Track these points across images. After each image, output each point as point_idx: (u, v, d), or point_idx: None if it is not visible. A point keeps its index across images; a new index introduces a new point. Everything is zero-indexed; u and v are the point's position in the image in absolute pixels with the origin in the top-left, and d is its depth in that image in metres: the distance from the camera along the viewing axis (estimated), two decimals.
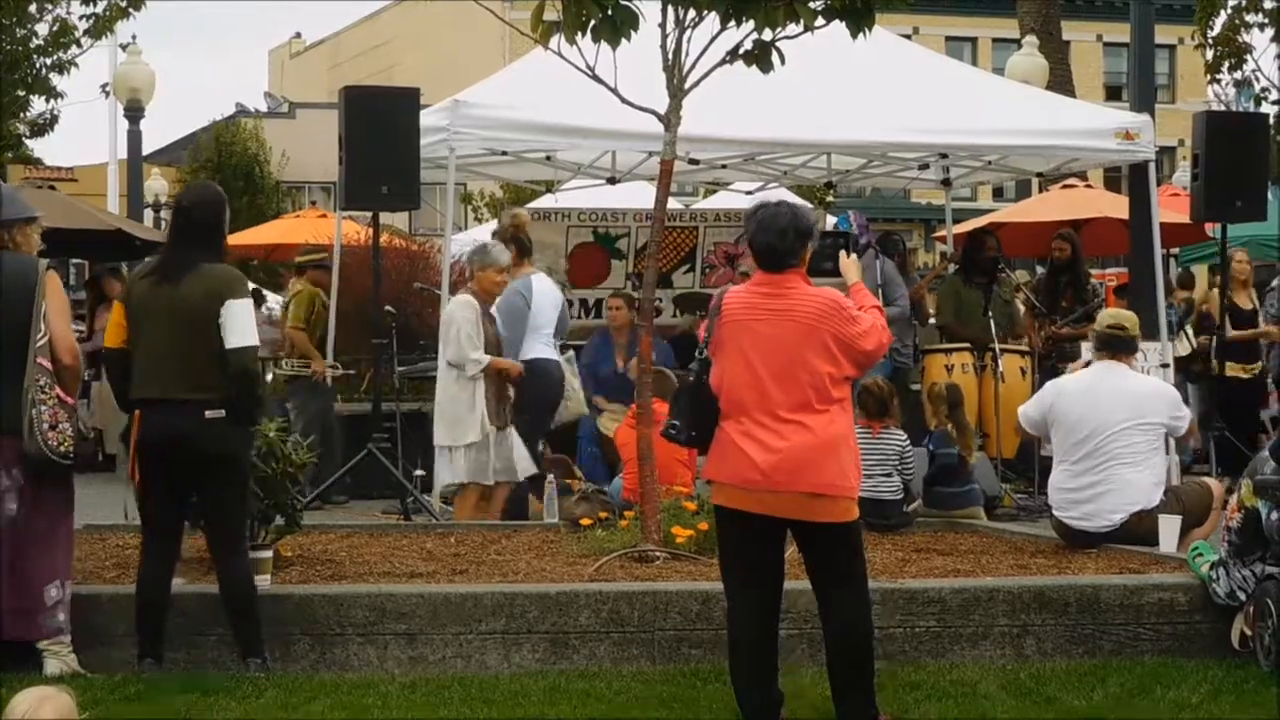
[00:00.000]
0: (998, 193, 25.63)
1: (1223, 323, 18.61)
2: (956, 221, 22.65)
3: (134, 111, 29.09)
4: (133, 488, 9.48)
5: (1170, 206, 19.39)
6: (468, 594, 9.91)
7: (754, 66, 11.14)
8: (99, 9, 20.65)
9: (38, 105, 23.45)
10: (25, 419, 8.88)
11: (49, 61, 22.28)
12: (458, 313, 13.76)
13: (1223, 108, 22.42)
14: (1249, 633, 9.78)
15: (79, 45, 21.78)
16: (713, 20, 11.00)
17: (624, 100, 11.37)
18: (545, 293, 14.82)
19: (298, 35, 59.16)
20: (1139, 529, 11.58)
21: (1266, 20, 29.29)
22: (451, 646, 9.56)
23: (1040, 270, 20.04)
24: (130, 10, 20.45)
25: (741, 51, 11.10)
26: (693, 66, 11.21)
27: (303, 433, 14.52)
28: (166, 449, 9.16)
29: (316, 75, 47.94)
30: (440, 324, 13.80)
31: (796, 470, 8.10)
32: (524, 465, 14.12)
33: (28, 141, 25.04)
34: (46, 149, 26.13)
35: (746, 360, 8.20)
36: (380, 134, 14.29)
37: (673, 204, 12.98)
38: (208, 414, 9.07)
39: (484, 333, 13.45)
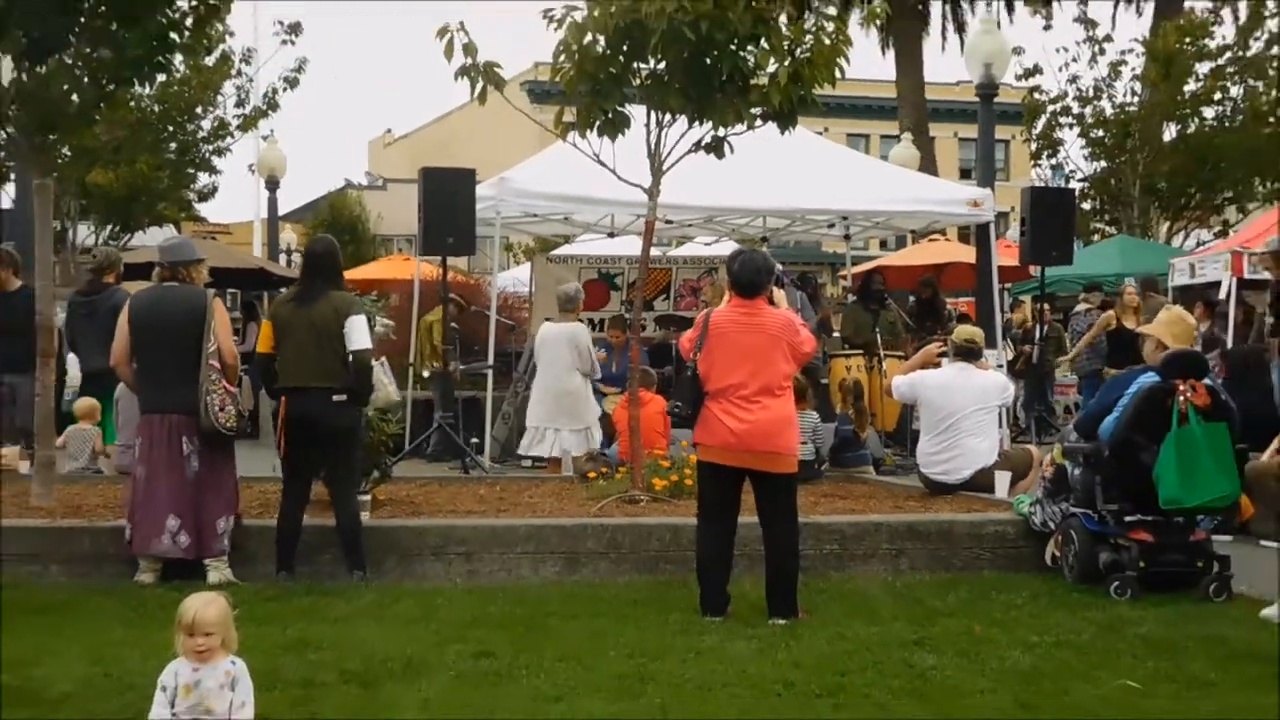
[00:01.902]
0: (884, 244, 25.68)
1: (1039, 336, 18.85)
2: (854, 264, 22.69)
3: (271, 183, 29.33)
4: (278, 450, 9.56)
5: (1005, 254, 19.43)
6: (508, 526, 10.04)
7: (711, 154, 11.20)
8: (247, 111, 20.66)
9: (203, 179, 23.44)
10: (201, 404, 9.02)
11: (211, 148, 22.27)
12: (585, 337, 13.95)
13: (1042, 184, 22.37)
14: (1057, 554, 9.92)
15: (232, 136, 21.76)
16: (682, 121, 11.04)
17: (620, 178, 11.42)
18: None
19: (389, 130, 59.10)
20: (981, 481, 11.65)
21: (1073, 123, 29.37)
22: (497, 563, 9.69)
23: (912, 300, 20.05)
24: (269, 111, 20.46)
25: (702, 143, 11.14)
26: (668, 154, 11.24)
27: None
28: (304, 423, 9.32)
29: (402, 158, 47.80)
30: (555, 341, 13.79)
31: (762, 436, 8.45)
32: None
33: (196, 205, 25.03)
34: (209, 210, 26.19)
35: (729, 359, 8.50)
36: (447, 201, 14.31)
37: (653, 251, 13.01)
38: (334, 398, 9.26)
39: None
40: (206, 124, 21.68)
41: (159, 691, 5.24)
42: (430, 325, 16.42)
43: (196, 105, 20.88)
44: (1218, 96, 27.77)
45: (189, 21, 10.35)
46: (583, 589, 9.22)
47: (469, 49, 10.43)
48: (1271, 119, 27.17)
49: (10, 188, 14.69)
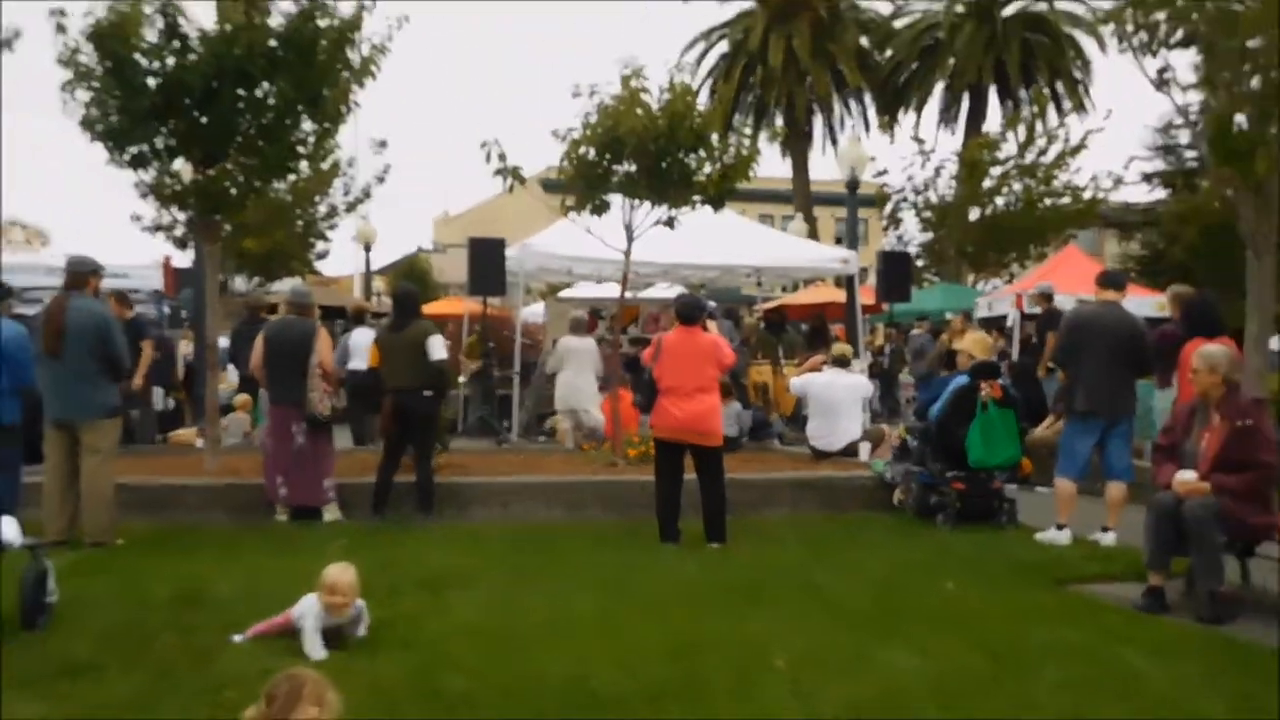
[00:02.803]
0: (784, 288, 25.87)
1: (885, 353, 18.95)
2: (764, 302, 22.66)
3: (366, 248, 29.72)
4: (382, 429, 9.71)
5: (865, 295, 19.35)
6: (530, 482, 10.01)
7: (667, 227, 11.20)
8: (350, 199, 20.65)
9: (320, 245, 23.41)
10: (305, 398, 9.11)
11: (325, 225, 22.24)
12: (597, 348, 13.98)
13: (889, 249, 22.47)
14: (902, 498, 9.95)
15: (340, 216, 21.73)
16: (646, 205, 11.06)
17: (605, 243, 11.41)
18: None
19: (446, 211, 58.89)
20: (851, 450, 11.65)
21: (910, 207, 29.52)
22: (525, 509, 9.66)
23: (805, 327, 20.03)
24: (365, 199, 20.44)
25: (660, 220, 11.13)
26: (637, 227, 11.23)
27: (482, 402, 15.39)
28: (404, 412, 9.34)
29: (455, 231, 47.79)
30: (580, 350, 13.65)
31: (698, 420, 8.49)
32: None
33: (315, 263, 25.02)
34: (324, 266, 26.23)
35: (675, 367, 8.56)
36: (486, 260, 14.35)
37: (627, 293, 13.04)
38: (424, 393, 9.35)
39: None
40: (323, 208, 21.62)
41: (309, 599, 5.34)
42: (471, 344, 16.47)
43: (315, 195, 20.80)
44: (1005, 190, 27.92)
45: (310, 139, 10.44)
46: (581, 526, 9.20)
47: (502, 157, 10.46)
48: (1040, 206, 27.43)
49: (190, 252, 14.75)
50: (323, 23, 9.80)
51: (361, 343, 12.57)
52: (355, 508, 9.37)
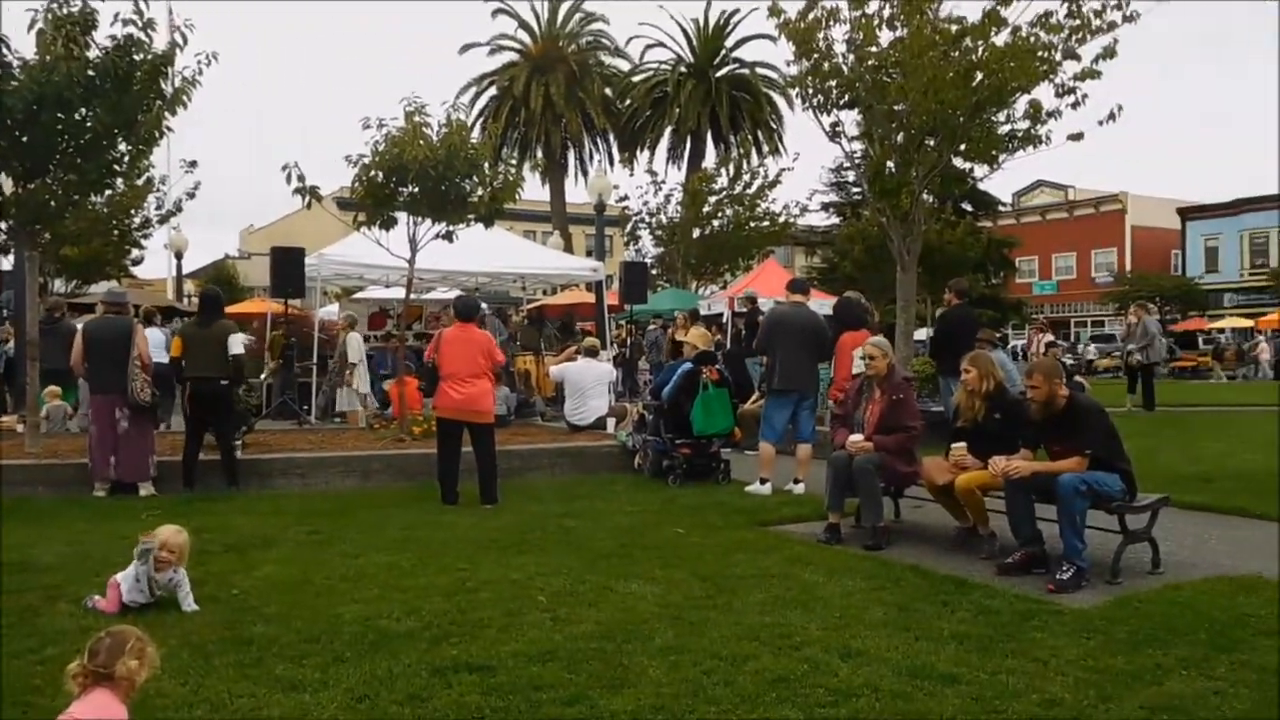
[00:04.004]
0: (544, 291, 25.86)
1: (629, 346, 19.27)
2: (528, 304, 22.54)
3: (178, 256, 27.84)
4: (185, 413, 9.19)
5: (611, 298, 19.62)
6: (328, 456, 9.57)
7: (446, 240, 10.99)
8: (162, 213, 19.26)
9: (135, 253, 21.76)
10: (128, 386, 8.51)
11: (140, 234, 20.68)
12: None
13: (630, 260, 22.82)
14: (641, 462, 10.10)
15: (153, 226, 20.25)
16: (428, 221, 10.82)
17: (392, 254, 11.08)
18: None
19: (251, 224, 55.58)
20: (599, 424, 11.77)
21: (646, 227, 30.08)
22: (323, 479, 9.24)
23: (560, 323, 20.07)
24: (176, 212, 19.09)
25: (440, 234, 10.92)
26: (420, 240, 10.97)
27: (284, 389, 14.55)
28: (201, 397, 8.88)
29: (262, 239, 45.17)
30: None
31: (472, 402, 8.36)
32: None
33: (131, 269, 23.22)
34: (139, 271, 24.40)
35: (453, 357, 8.39)
36: (288, 267, 13.70)
37: (412, 296, 12.75)
38: (221, 382, 8.86)
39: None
40: (137, 220, 20.05)
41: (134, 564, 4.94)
42: (275, 339, 15.65)
43: (131, 208, 19.26)
44: (720, 214, 28.85)
45: (126, 159, 9.87)
46: (373, 493, 8.89)
47: (301, 178, 10.01)
48: (746, 227, 28.51)
49: (10, 258, 13.46)
50: (138, 57, 9.20)
51: (151, 340, 11.74)
52: (168, 482, 8.77)
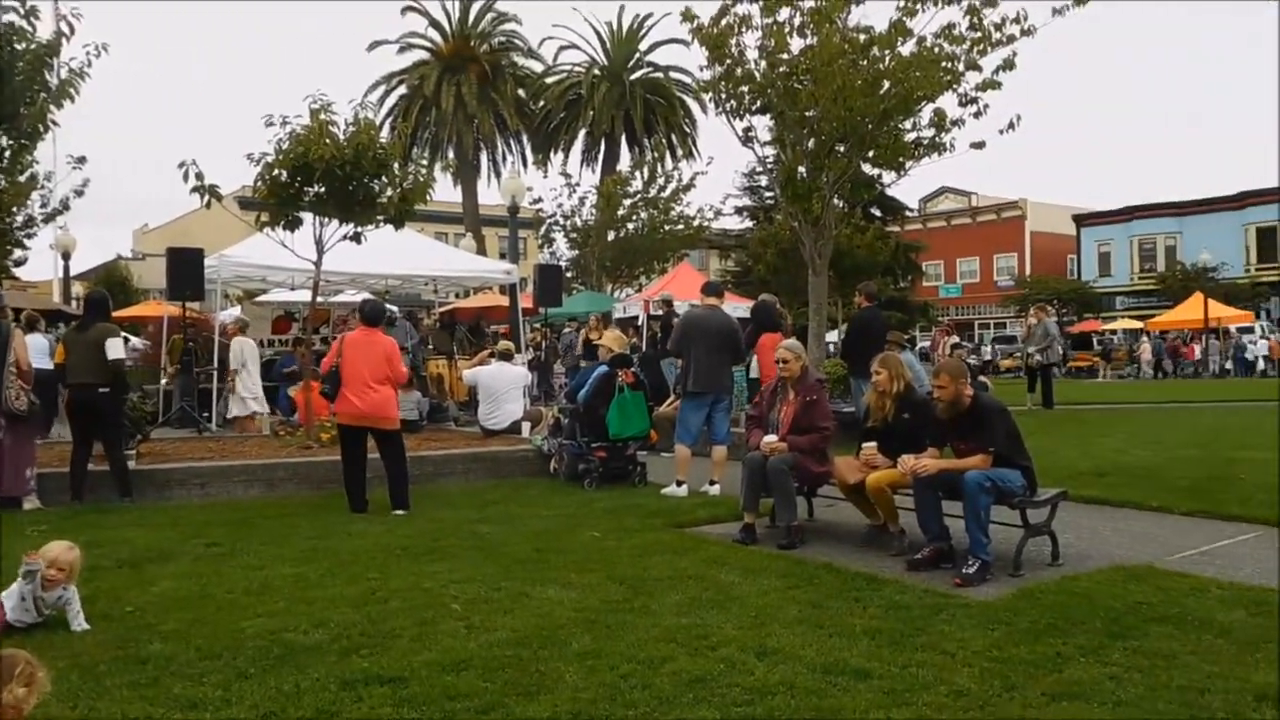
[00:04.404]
0: (457, 294, 25.47)
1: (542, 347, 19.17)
2: (440, 306, 22.23)
3: (65, 257, 26.90)
4: (68, 425, 8.76)
5: (525, 300, 19.51)
6: (229, 465, 9.28)
7: (354, 242, 10.79)
8: (49, 210, 18.42)
9: (18, 253, 20.74)
10: (3, 395, 8.08)
11: (22, 234, 19.75)
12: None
13: (545, 262, 22.71)
14: (556, 466, 10.06)
15: (38, 225, 19.36)
16: (335, 222, 10.61)
17: (297, 255, 10.84)
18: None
19: (146, 224, 53.64)
20: (514, 428, 11.69)
21: (561, 229, 30.01)
22: (224, 489, 8.96)
23: (467, 325, 19.86)
24: (62, 210, 18.28)
25: (348, 236, 10.71)
26: (327, 241, 10.75)
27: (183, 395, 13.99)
28: (81, 405, 8.52)
29: (157, 240, 43.65)
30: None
31: (376, 408, 8.16)
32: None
33: (14, 269, 22.15)
34: (23, 272, 23.32)
35: (356, 363, 8.20)
36: (185, 268, 13.25)
37: (319, 299, 12.48)
38: (100, 390, 8.48)
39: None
40: (21, 218, 19.14)
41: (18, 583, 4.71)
42: (175, 343, 15.15)
43: (14, 206, 18.40)
44: (635, 217, 28.96)
45: (7, 153, 9.41)
46: (278, 502, 8.63)
47: (199, 176, 9.67)
48: (661, 230, 28.68)
49: None
50: (20, 46, 8.76)
51: (33, 346, 11.26)
52: (56, 495, 8.40)
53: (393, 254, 14.54)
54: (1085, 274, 55.59)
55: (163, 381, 14.89)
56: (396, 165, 10.68)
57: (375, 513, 8.01)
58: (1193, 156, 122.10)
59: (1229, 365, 34.52)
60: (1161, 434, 13.04)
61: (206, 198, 9.78)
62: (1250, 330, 38.23)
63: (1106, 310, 52.40)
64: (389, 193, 10.58)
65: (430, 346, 17.00)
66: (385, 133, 12.49)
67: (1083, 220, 56.83)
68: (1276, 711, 3.57)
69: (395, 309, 17.07)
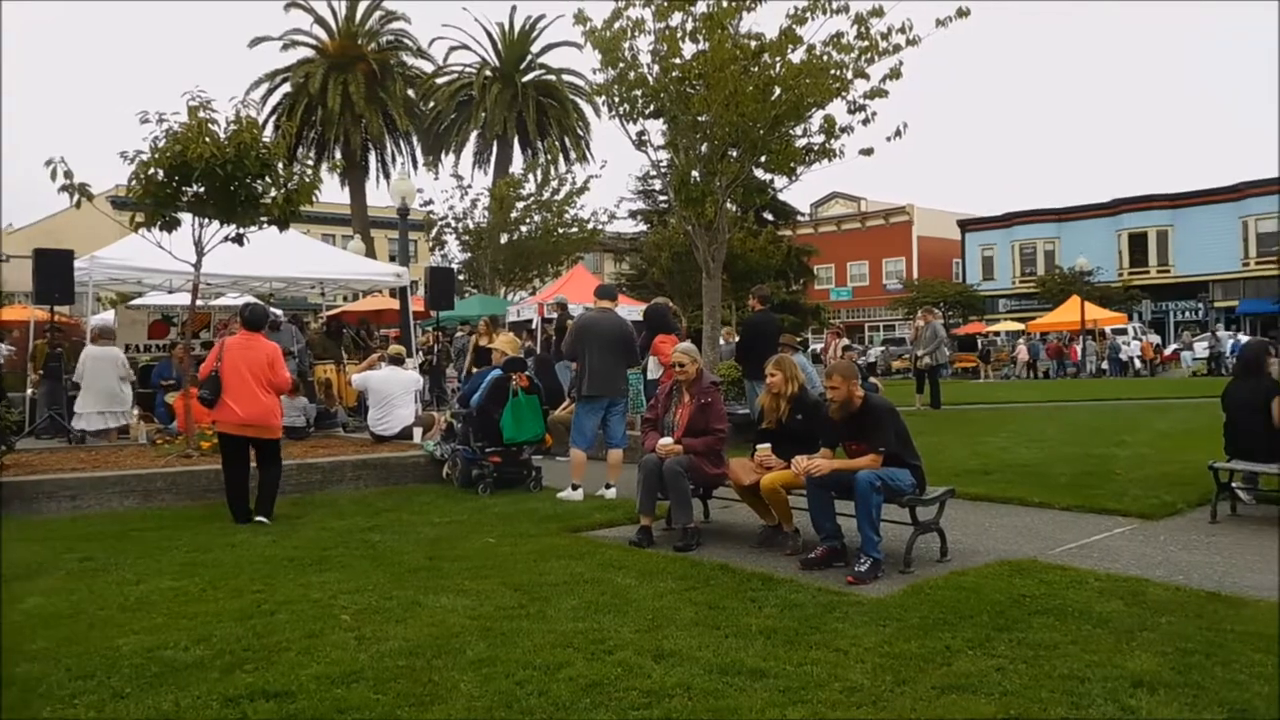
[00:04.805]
0: (345, 298, 24.89)
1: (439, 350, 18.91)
2: (328, 309, 21.71)
3: None
4: None
5: (416, 304, 19.19)
6: (103, 476, 8.83)
7: (236, 244, 10.45)
8: None
9: None
10: None
11: None
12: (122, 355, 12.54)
13: (436, 265, 22.40)
14: (450, 472, 9.92)
15: None
16: (216, 223, 10.26)
17: (175, 257, 10.44)
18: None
19: (10, 224, 50.87)
20: (405, 434, 11.49)
21: (452, 231, 29.68)
22: (97, 501, 8.54)
23: (361, 330, 19.47)
24: None
25: (229, 237, 10.37)
26: (208, 243, 10.38)
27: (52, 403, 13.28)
28: None
29: (23, 241, 41.51)
30: (102, 358, 12.21)
31: (258, 416, 7.94)
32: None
33: None
34: None
35: (237, 369, 7.93)
36: (54, 270, 12.60)
37: (199, 303, 12.04)
38: None
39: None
40: None
41: None
42: (39, 348, 14.43)
43: None
44: (528, 220, 28.85)
45: None
46: (156, 514, 8.29)
47: (68, 175, 9.24)
48: (555, 233, 28.65)
49: None
50: None
51: None
52: None
53: (277, 256, 14.12)
54: (970, 277, 57.69)
55: (28, 390, 14.14)
56: (281, 165, 10.39)
57: (260, 524, 7.77)
58: (1070, 165, 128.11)
59: (1105, 365, 36.20)
60: (1043, 432, 13.59)
61: (76, 197, 9.35)
62: (1124, 332, 40.22)
63: (990, 313, 54.47)
64: (273, 193, 10.28)
65: (313, 353, 16.58)
66: (269, 132, 12.16)
67: (967, 225, 58.98)
68: (1150, 696, 3.76)
69: (280, 313, 16.61)
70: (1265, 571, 5.78)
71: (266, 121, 34.60)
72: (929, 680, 3.98)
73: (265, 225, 10.50)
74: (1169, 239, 50.91)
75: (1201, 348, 37.21)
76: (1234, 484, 7.68)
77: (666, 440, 7.05)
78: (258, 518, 7.82)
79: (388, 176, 38.36)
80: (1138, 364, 36.66)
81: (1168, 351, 40.83)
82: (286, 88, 37.02)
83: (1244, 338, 32.96)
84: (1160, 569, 5.85)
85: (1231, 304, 48.46)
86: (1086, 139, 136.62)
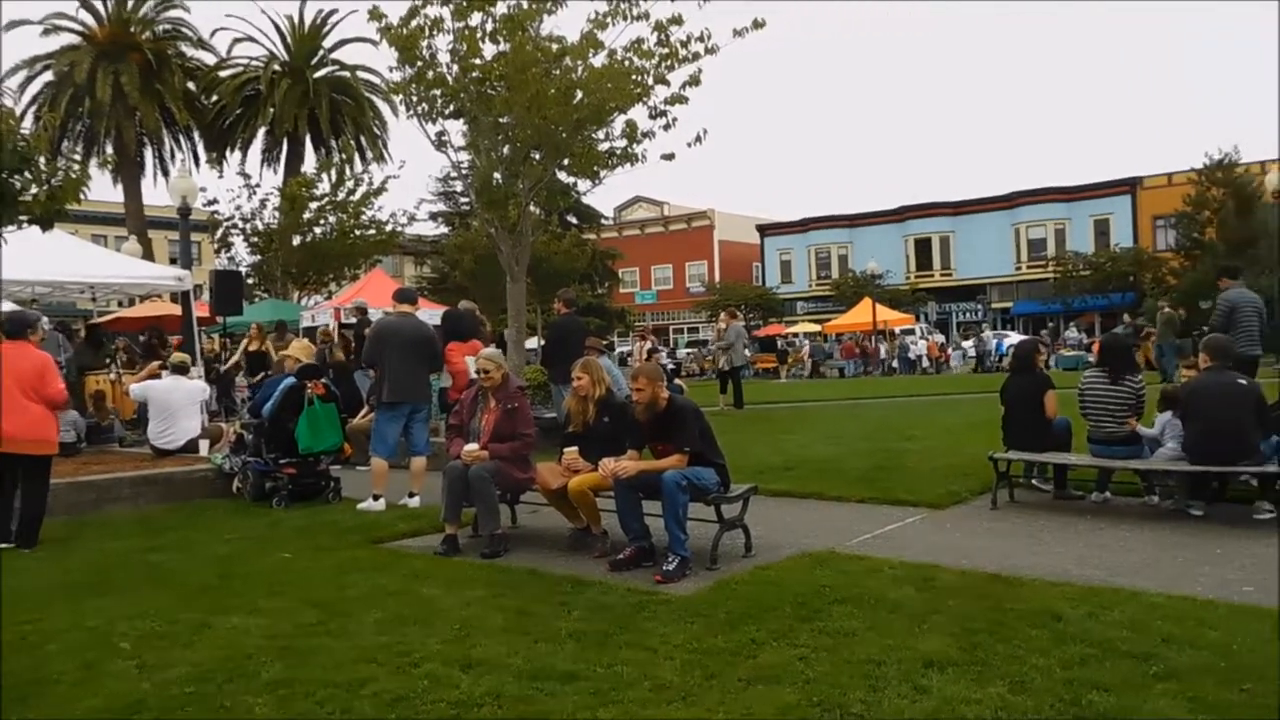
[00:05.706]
0: (120, 303, 23.28)
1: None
2: (99, 316, 20.22)
3: None
4: None
5: (201, 309, 18.07)
6: None
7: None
8: None
9: None
10: None
11: None
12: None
13: (222, 268, 21.29)
14: (240, 486, 9.49)
15: None
16: None
17: None
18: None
19: None
20: (191, 446, 10.92)
21: (239, 232, 28.33)
22: None
23: (142, 338, 18.21)
24: None
25: None
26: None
27: None
28: None
29: None
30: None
31: (29, 430, 7.39)
32: None
33: None
34: None
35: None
36: None
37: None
38: None
39: None
40: None
41: None
42: None
43: None
44: (322, 221, 27.91)
45: None
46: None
47: None
48: (351, 235, 27.87)
49: None
50: None
51: None
52: None
53: (41, 258, 13.05)
54: (769, 280, 60.12)
55: None
56: (43, 160, 9.64)
57: (20, 553, 7.15)
58: (861, 173, 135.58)
59: (895, 364, 38.52)
60: (840, 429, 14.30)
61: None
62: (912, 332, 42.95)
63: (789, 315, 56.91)
64: (34, 190, 9.51)
65: (73, 363, 15.42)
66: (28, 123, 11.23)
67: (765, 230, 61.47)
68: (941, 675, 4.03)
69: (46, 320, 15.32)
70: (1040, 554, 6.31)
71: (25, 112, 31.96)
72: (736, 673, 4.11)
73: (25, 225, 9.71)
74: (951, 244, 54.84)
75: (969, 347, 40.41)
76: (1033, 479, 8.61)
77: (472, 446, 6.98)
78: (20, 548, 7.15)
79: (166, 174, 36.08)
80: (925, 362, 39.17)
81: (950, 351, 43.93)
82: (49, 76, 34.25)
83: (1014, 337, 35.94)
84: (948, 555, 6.27)
85: (1007, 305, 52.74)
86: (876, 148, 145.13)
